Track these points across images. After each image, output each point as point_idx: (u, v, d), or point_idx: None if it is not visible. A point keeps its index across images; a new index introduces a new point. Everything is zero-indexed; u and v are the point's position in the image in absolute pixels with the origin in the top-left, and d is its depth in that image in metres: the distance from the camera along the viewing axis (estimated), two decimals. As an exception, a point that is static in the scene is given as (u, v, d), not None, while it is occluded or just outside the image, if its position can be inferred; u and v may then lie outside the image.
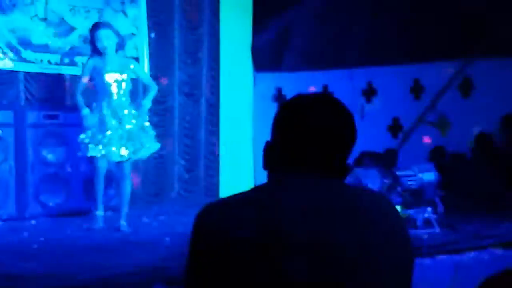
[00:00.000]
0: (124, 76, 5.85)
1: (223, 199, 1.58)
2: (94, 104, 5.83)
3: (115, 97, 5.80)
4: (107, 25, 6.00)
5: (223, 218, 1.48)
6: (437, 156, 7.54)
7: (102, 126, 5.67)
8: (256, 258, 1.41)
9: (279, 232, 1.43)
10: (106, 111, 5.73)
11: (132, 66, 6.02)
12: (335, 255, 1.44)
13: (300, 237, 1.44)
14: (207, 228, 1.49)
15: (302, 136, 1.54)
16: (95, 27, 5.96)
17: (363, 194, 1.60)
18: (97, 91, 5.91)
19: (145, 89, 6.32)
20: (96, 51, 5.87)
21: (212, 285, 1.45)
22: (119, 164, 5.86)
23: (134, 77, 6.15)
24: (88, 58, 5.97)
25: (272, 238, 1.43)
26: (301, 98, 1.60)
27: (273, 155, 1.58)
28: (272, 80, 8.86)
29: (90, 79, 5.90)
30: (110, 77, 5.80)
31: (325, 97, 1.62)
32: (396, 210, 1.63)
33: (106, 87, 5.79)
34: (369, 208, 1.53)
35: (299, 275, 1.42)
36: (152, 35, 7.81)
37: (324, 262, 1.43)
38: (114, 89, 5.80)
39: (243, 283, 1.42)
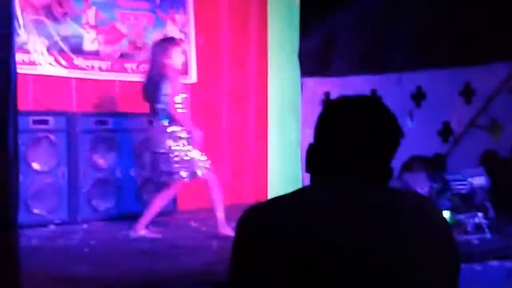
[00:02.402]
0: None
1: (265, 201, 1.59)
2: None
3: None
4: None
5: (264, 220, 1.49)
6: (488, 161, 7.40)
7: None
8: (296, 261, 1.42)
9: (320, 235, 1.43)
10: None
11: None
12: (377, 259, 1.43)
13: (340, 240, 1.43)
14: (248, 230, 1.50)
15: (344, 138, 1.53)
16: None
17: (406, 197, 1.59)
18: None
19: None
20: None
21: (253, 286, 1.46)
22: None
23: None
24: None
25: (313, 241, 1.43)
26: (343, 100, 1.60)
27: (315, 158, 1.58)
28: (320, 85, 8.83)
29: None
30: None
31: (367, 99, 1.62)
32: (440, 214, 1.61)
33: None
34: (412, 212, 1.52)
35: (338, 279, 1.41)
36: (200, 40, 7.89)
37: (364, 266, 1.42)
38: None
39: (280, 285, 1.42)
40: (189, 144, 5.66)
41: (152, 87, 5.70)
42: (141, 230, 5.69)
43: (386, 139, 1.56)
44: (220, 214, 5.67)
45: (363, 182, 1.53)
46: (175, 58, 5.68)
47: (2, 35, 3.27)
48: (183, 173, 5.63)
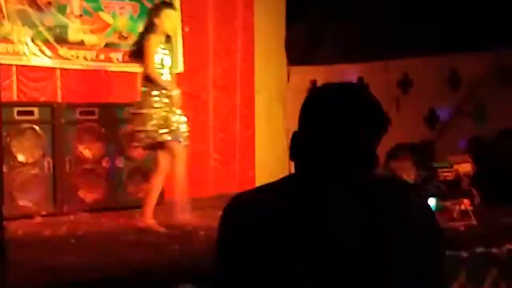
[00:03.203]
0: None
1: (251, 190, 1.59)
2: None
3: None
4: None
5: (249, 208, 1.48)
6: (475, 147, 7.43)
7: None
8: (281, 249, 1.41)
9: (305, 223, 1.43)
10: None
11: None
12: (362, 247, 1.43)
13: (325, 228, 1.43)
14: (234, 218, 1.50)
15: (328, 125, 1.53)
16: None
17: (391, 184, 1.58)
18: None
19: None
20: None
21: (238, 275, 1.45)
22: None
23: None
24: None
25: (298, 229, 1.42)
26: (326, 88, 1.59)
27: (299, 145, 1.57)
28: (307, 73, 8.82)
29: None
30: None
31: (350, 86, 1.61)
32: (425, 200, 1.61)
33: None
34: (396, 199, 1.51)
35: (323, 266, 1.41)
36: (187, 29, 7.85)
37: (349, 255, 1.42)
38: None
39: (266, 273, 1.42)
40: (170, 106, 5.41)
41: (140, 48, 5.45)
42: (148, 219, 5.46)
43: (371, 126, 1.55)
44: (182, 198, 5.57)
45: (348, 169, 1.53)
46: (164, 19, 5.46)
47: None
48: (166, 136, 5.38)
